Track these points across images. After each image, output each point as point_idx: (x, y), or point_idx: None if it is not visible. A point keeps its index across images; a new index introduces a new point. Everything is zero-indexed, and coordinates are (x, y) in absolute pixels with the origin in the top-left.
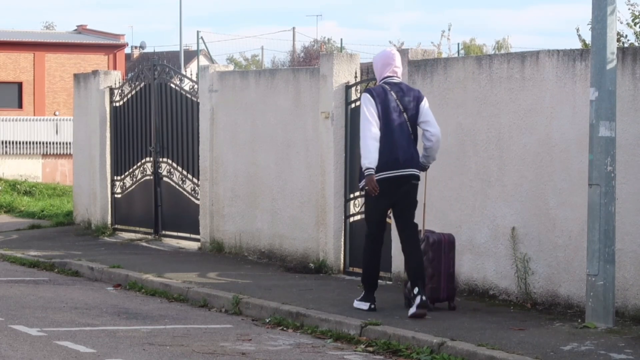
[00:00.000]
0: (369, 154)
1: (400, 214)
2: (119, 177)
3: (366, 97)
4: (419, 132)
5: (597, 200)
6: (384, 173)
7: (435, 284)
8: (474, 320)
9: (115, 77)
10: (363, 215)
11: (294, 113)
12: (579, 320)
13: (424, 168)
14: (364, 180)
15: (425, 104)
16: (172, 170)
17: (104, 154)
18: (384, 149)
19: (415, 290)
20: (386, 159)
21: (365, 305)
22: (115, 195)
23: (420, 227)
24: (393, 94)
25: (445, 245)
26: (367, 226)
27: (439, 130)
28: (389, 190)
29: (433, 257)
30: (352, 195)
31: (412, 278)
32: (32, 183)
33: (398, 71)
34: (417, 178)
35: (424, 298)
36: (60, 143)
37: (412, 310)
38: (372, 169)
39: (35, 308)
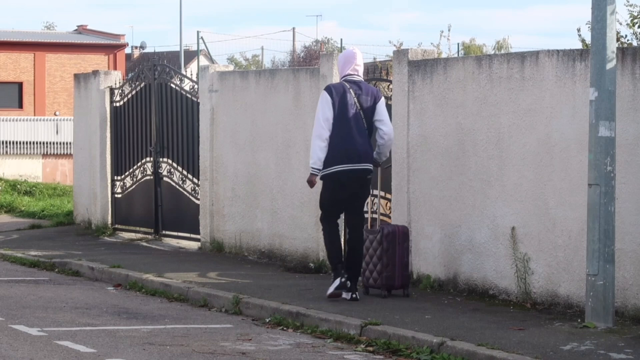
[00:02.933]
0: (314, 154)
1: (352, 205)
2: (119, 177)
3: (324, 95)
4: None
5: (596, 200)
6: (341, 166)
7: (390, 272)
8: (474, 320)
9: (116, 77)
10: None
11: (294, 113)
12: (579, 320)
13: (377, 163)
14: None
15: (381, 103)
16: (172, 170)
17: (104, 154)
18: (341, 143)
19: (345, 276)
20: (343, 153)
21: (337, 282)
22: (116, 195)
23: (373, 213)
24: (352, 91)
25: (399, 236)
26: (325, 213)
27: (392, 130)
28: (346, 182)
29: (387, 247)
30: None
31: (348, 266)
32: (32, 183)
33: (359, 69)
34: (371, 172)
35: (353, 296)
36: (60, 143)
37: (330, 290)
38: (316, 169)
39: (36, 308)
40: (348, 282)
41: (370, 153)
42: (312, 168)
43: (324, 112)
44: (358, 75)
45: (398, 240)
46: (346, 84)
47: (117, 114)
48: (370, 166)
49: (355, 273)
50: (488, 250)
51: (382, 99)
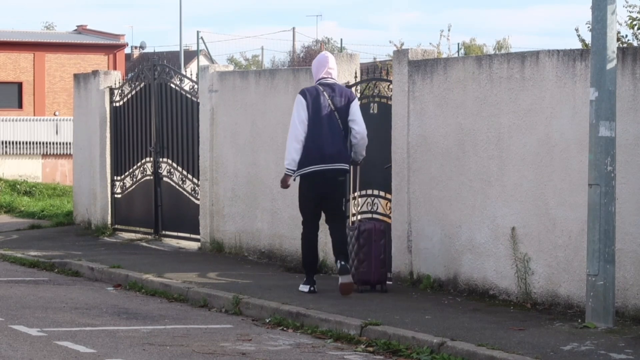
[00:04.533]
0: (289, 155)
1: (330, 204)
2: (119, 177)
3: (298, 98)
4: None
5: (597, 200)
6: (315, 166)
7: (366, 268)
8: (474, 320)
9: (115, 77)
10: (364, 215)
11: None
12: (579, 320)
13: (355, 163)
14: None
15: (355, 103)
16: (172, 170)
17: (104, 154)
18: (314, 144)
19: (338, 262)
20: (317, 154)
21: (306, 288)
22: (115, 195)
23: (353, 216)
24: (325, 94)
25: (375, 234)
26: (302, 215)
27: (364, 129)
28: (320, 182)
29: (364, 243)
30: (352, 196)
31: (336, 252)
32: (32, 183)
33: (332, 72)
34: (345, 172)
35: (342, 263)
36: (60, 143)
37: (340, 281)
38: (290, 170)
39: (35, 308)
40: (315, 289)
41: (345, 153)
42: (287, 169)
43: (299, 114)
44: (331, 78)
45: (374, 237)
46: (320, 87)
47: (117, 114)
48: (344, 166)
49: (342, 251)
50: (488, 251)
51: (356, 100)
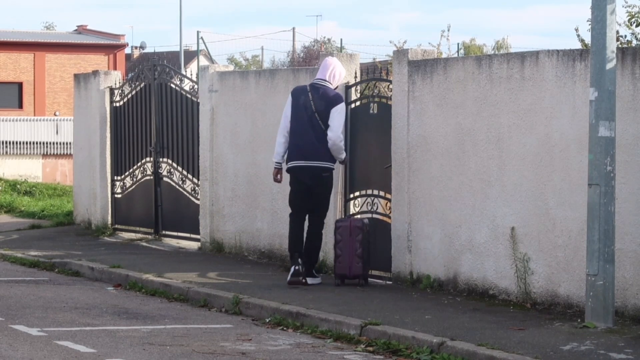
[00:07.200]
0: (276, 148)
1: (314, 198)
2: (119, 177)
3: (289, 96)
4: None
5: (596, 200)
6: (294, 162)
7: (342, 262)
8: (474, 320)
9: (116, 77)
10: (364, 215)
11: None
12: (579, 320)
13: (340, 162)
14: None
15: (335, 109)
16: (172, 170)
17: (104, 154)
18: (294, 141)
19: (299, 264)
20: (295, 151)
21: (291, 270)
22: (116, 195)
23: (337, 214)
24: (310, 95)
25: (351, 230)
26: (290, 208)
27: (336, 135)
28: (301, 177)
29: (339, 239)
30: (352, 195)
31: (304, 254)
32: (32, 183)
33: (326, 74)
34: (324, 170)
35: (297, 268)
36: (60, 143)
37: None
38: (277, 162)
39: (36, 308)
40: (301, 268)
41: (326, 152)
42: (273, 162)
43: (285, 110)
44: (324, 80)
45: (351, 233)
46: (308, 87)
47: (117, 114)
48: (324, 164)
49: (306, 260)
50: (488, 250)
51: (338, 106)
